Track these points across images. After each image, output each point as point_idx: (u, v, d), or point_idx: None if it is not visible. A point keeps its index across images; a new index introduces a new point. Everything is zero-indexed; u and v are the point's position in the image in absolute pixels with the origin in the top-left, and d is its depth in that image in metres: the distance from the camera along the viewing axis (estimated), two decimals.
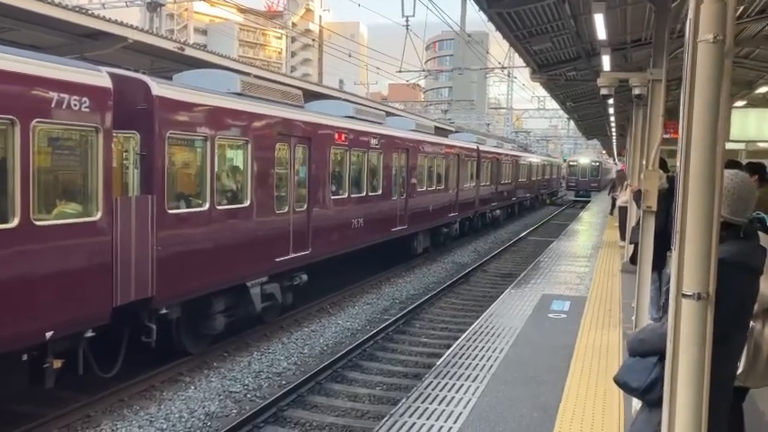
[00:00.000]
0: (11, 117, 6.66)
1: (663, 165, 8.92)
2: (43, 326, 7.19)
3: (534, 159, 44.54)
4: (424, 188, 20.65)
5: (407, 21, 24.33)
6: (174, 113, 9.38)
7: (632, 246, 11.08)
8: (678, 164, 3.06)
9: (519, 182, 37.35)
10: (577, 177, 53.94)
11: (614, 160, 57.19)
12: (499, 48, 30.56)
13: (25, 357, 7.23)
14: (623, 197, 17.23)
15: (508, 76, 48.72)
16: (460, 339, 8.46)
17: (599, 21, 8.05)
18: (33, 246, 7.01)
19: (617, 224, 19.32)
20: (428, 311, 14.71)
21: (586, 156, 58.98)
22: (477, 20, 21.52)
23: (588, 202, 45.49)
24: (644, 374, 3.63)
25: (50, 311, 7.29)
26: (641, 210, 8.66)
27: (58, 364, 7.63)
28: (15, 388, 7.55)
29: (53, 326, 7.29)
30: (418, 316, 14.22)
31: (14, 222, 6.75)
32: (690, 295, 2.95)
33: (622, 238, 16.44)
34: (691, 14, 2.92)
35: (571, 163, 56.18)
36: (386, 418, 5.75)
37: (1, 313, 6.71)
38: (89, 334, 7.96)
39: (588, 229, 24.81)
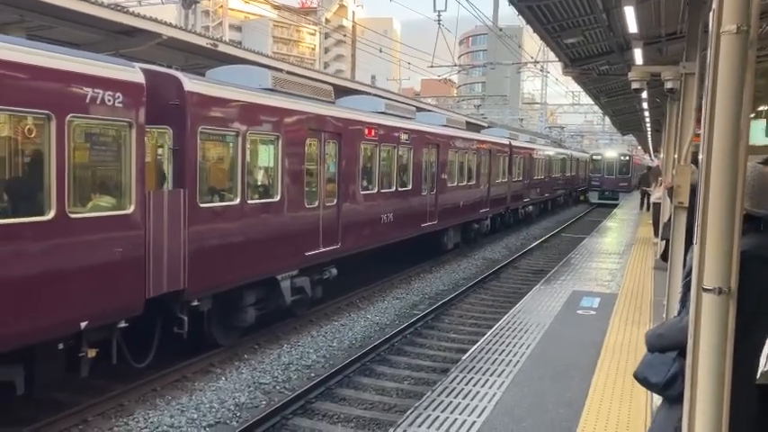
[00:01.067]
0: (47, 112, 6.84)
1: (696, 160, 8.78)
2: (78, 316, 7.38)
3: (568, 155, 44.07)
4: (455, 184, 20.59)
5: (439, 16, 24.25)
6: (206, 109, 9.52)
7: (664, 242, 10.95)
8: (701, 157, 3.03)
9: (552, 178, 37.01)
10: (602, 175, 46.19)
11: (650, 156, 56.08)
12: (533, 42, 30.26)
13: (61, 346, 7.43)
14: (657, 193, 16.99)
15: (542, 70, 47.76)
16: (488, 335, 8.45)
17: (630, 14, 7.94)
18: (68, 238, 7.19)
19: (651, 221, 19.04)
20: (458, 307, 14.69)
21: (613, 149, 52.23)
22: (511, 14, 21.42)
23: (615, 205, 39.13)
24: (664, 370, 3.60)
25: (85, 302, 7.48)
26: (673, 205, 8.55)
27: (92, 353, 7.82)
28: (52, 376, 7.76)
29: (88, 316, 7.48)
30: (447, 311, 14.21)
31: (50, 215, 6.93)
32: (711, 290, 2.92)
33: (656, 234, 16.22)
34: (714, 5, 2.88)
35: (594, 157, 48.36)
36: (410, 411, 5.79)
37: (39, 303, 6.91)
38: (122, 324, 8.15)
39: (622, 225, 24.48)
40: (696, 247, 3.02)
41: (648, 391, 6.00)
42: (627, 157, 47.41)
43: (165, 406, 8.70)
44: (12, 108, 6.66)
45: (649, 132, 31.87)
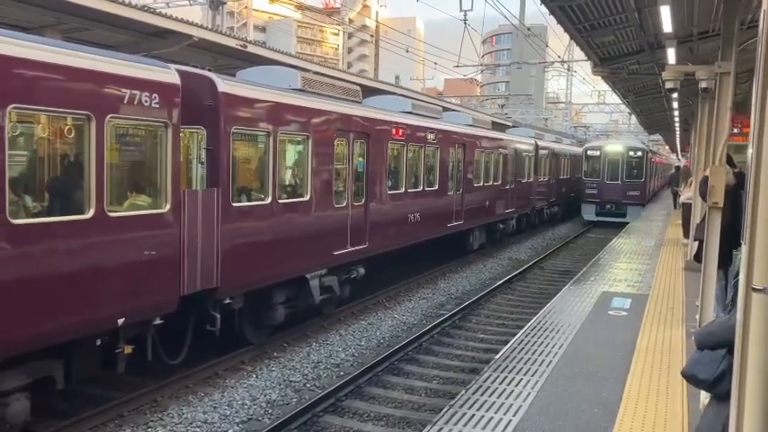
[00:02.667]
0: (87, 113, 6.98)
1: (729, 160, 8.70)
2: (116, 312, 7.52)
3: None
4: (481, 183, 20.56)
5: (465, 15, 24.18)
6: (239, 109, 9.63)
7: (696, 243, 10.85)
8: (749, 157, 3.02)
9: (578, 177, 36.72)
10: (601, 178, 31.29)
11: (678, 155, 55.31)
12: (558, 41, 30.09)
13: (99, 342, 7.57)
14: (687, 193, 16.81)
15: (568, 70, 47.19)
16: (519, 334, 8.45)
17: (665, 13, 7.89)
18: (107, 236, 7.32)
19: (680, 221, 18.85)
20: (484, 307, 14.67)
21: (618, 141, 36.62)
22: (536, 13, 21.31)
23: (624, 225, 25.91)
24: (712, 367, 3.62)
25: (122, 299, 7.61)
26: (707, 206, 8.48)
27: (128, 349, 7.96)
28: (90, 372, 7.91)
29: (125, 312, 7.62)
30: (474, 311, 14.21)
31: (90, 213, 7.07)
32: (760, 289, 2.92)
33: (685, 235, 16.05)
34: (765, 5, 2.87)
35: (590, 152, 32.46)
36: (445, 409, 5.82)
37: (79, 300, 7.05)
38: (157, 321, 8.28)
39: (650, 226, 24.25)
40: (745, 248, 3.02)
41: (685, 393, 5.99)
42: (639, 153, 31.69)
43: (198, 402, 8.82)
44: (53, 109, 6.80)
45: (677, 132, 31.55)
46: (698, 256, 9.75)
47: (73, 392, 8.28)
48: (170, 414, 8.40)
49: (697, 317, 8.80)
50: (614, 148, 32.32)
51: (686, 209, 16.80)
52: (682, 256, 15.13)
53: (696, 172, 13.58)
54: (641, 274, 13.09)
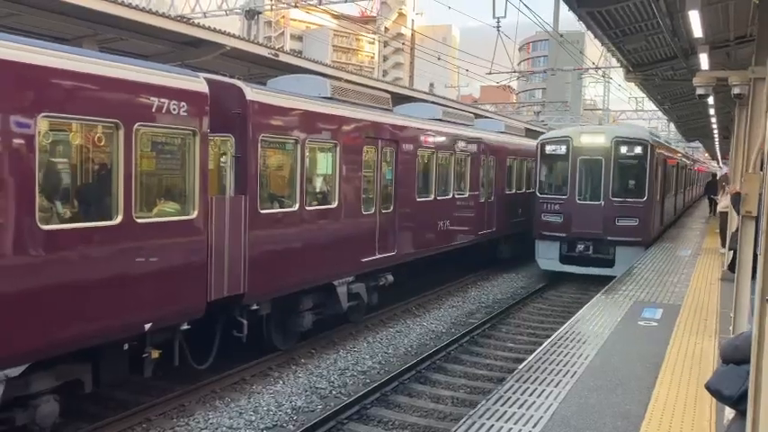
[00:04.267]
0: (115, 121, 7.12)
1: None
2: (143, 317, 7.63)
3: None
4: (513, 191, 20.38)
5: (498, 22, 24.06)
6: (267, 117, 9.72)
7: (732, 252, 10.58)
8: (766, 164, 2.94)
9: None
10: (568, 197, 18.37)
11: (718, 163, 54.07)
12: (595, 48, 29.75)
13: (126, 347, 7.69)
14: (724, 201, 16.43)
15: (603, 76, 46.49)
16: (545, 344, 8.33)
17: (694, 18, 7.73)
18: (135, 242, 7.45)
19: (718, 230, 18.41)
20: (515, 316, 14.52)
21: (598, 129, 21.54)
22: (572, 19, 21.08)
23: (610, 278, 14.90)
24: (737, 383, 3.52)
25: (150, 304, 7.73)
26: (740, 215, 8.27)
27: (155, 354, 8.07)
28: (118, 376, 8.04)
29: (152, 318, 7.72)
30: (504, 320, 14.07)
31: (118, 219, 7.20)
32: None
33: (723, 244, 15.67)
34: None
35: (550, 148, 18.99)
36: (464, 419, 5.76)
37: (107, 305, 7.17)
38: (184, 327, 8.37)
39: (687, 235, 23.73)
40: (761, 258, 2.94)
41: (713, 406, 5.83)
42: (638, 150, 18.17)
43: (224, 408, 8.89)
44: (82, 117, 6.96)
45: (716, 139, 30.85)
46: (732, 266, 9.52)
47: (103, 396, 8.43)
48: (196, 419, 8.49)
49: (730, 328, 8.57)
50: (592, 139, 18.24)
51: (723, 217, 16.44)
52: (719, 265, 14.77)
53: (732, 180, 13.26)
54: (675, 284, 12.81)
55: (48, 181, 6.85)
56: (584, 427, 5.74)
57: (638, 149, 17.77)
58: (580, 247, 17.72)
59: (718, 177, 29.68)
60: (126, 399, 8.70)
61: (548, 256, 18.38)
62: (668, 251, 18.26)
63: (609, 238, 17.46)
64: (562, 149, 18.25)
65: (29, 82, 6.30)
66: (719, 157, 46.05)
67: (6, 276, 6.16)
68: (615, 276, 14.47)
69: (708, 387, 3.81)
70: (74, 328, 6.86)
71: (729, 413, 4.49)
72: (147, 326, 7.66)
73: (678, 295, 11.68)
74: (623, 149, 17.80)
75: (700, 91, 9.02)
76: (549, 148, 18.54)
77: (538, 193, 18.54)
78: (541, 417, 5.85)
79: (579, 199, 17.92)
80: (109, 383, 8.01)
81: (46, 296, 6.52)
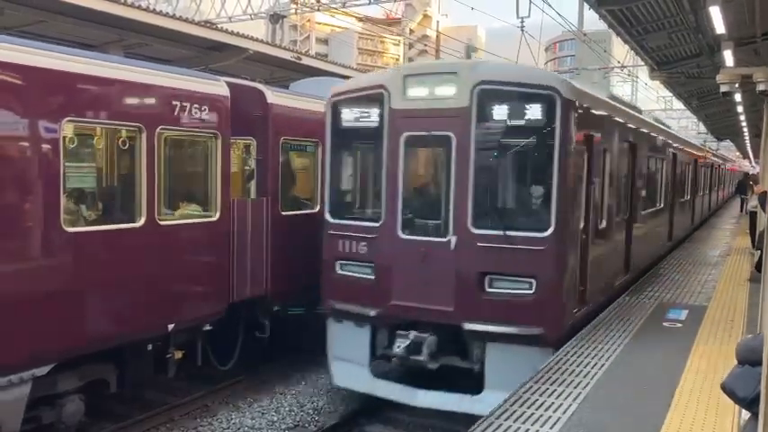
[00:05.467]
0: (138, 125, 7.25)
1: None
2: (167, 318, 7.74)
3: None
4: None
5: (522, 22, 23.94)
6: (287, 120, 9.80)
7: (759, 252, 10.40)
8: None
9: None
10: (379, 224, 8.46)
11: (750, 162, 53.07)
12: (621, 47, 29.41)
13: (150, 347, 7.81)
14: (754, 201, 16.15)
15: (629, 75, 45.75)
16: (566, 345, 8.25)
17: (716, 14, 7.62)
18: (158, 243, 7.56)
19: (748, 230, 18.08)
20: None
21: (442, 69, 8.83)
22: (597, 19, 20.85)
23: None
24: (751, 385, 3.49)
25: (172, 305, 7.84)
26: (767, 214, 8.14)
27: (179, 355, 8.19)
28: (142, 376, 8.17)
29: (175, 318, 7.84)
30: None
31: (141, 222, 7.33)
32: None
33: (753, 244, 15.39)
34: None
35: (347, 116, 8.82)
36: (481, 420, 5.74)
37: (131, 306, 7.29)
38: (207, 328, 8.48)
39: (717, 234, 23.33)
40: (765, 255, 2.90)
41: (735, 408, 5.73)
42: (538, 112, 7.71)
43: (246, 408, 8.99)
44: (105, 121, 7.09)
45: (747, 137, 30.35)
46: (759, 266, 9.35)
47: (128, 396, 8.57)
48: (219, 419, 8.60)
49: (757, 330, 8.42)
50: (431, 89, 8.27)
51: (753, 217, 16.15)
52: (748, 266, 14.48)
53: (762, 179, 13.02)
54: (702, 285, 12.59)
55: (73, 184, 7.00)
56: (602, 429, 5.68)
57: (535, 110, 7.83)
58: (403, 342, 8.04)
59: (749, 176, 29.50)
60: (151, 399, 8.83)
61: (347, 358, 8.81)
62: (696, 251, 17.97)
63: (468, 324, 7.94)
64: (371, 117, 8.69)
65: (54, 87, 6.44)
66: (752, 156, 45.22)
67: (33, 278, 6.30)
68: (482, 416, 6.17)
69: (722, 387, 3.78)
70: (98, 329, 7.00)
71: (746, 415, 4.43)
72: (170, 326, 7.77)
73: (705, 296, 11.49)
74: (498, 111, 7.99)
75: (723, 88, 8.89)
76: (347, 115, 8.98)
77: (328, 216, 9.07)
78: (559, 418, 5.81)
79: (404, 230, 8.38)
80: (134, 384, 8.14)
81: (71, 297, 6.66)
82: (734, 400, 3.84)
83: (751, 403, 3.52)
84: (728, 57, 9.65)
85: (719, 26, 8.07)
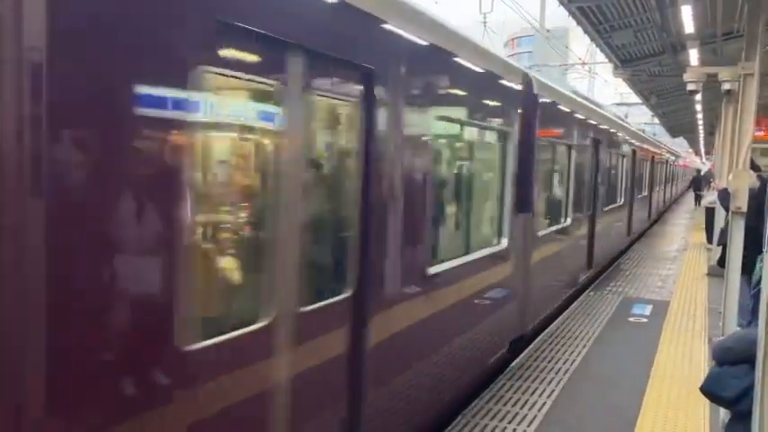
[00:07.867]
0: None
1: (753, 165, 8.51)
2: None
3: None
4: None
5: (485, 18, 24.07)
6: None
7: (721, 247, 10.62)
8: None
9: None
10: None
11: (702, 159, 54.53)
12: (579, 44, 29.74)
13: None
14: (710, 197, 16.53)
15: (589, 71, 46.29)
16: (536, 341, 8.28)
17: (686, 13, 7.70)
18: None
19: (704, 226, 18.49)
20: None
21: None
22: (557, 15, 21.06)
23: None
24: (732, 384, 3.47)
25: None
26: (729, 211, 8.29)
27: None
28: None
29: None
30: None
31: None
32: None
33: (709, 240, 15.74)
34: None
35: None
36: (458, 419, 5.69)
37: None
38: None
39: (673, 229, 23.87)
40: (766, 257, 2.88)
41: (706, 402, 5.81)
42: None
43: None
44: None
45: (701, 135, 31.12)
46: (722, 261, 9.53)
47: None
48: None
49: (720, 324, 8.59)
50: None
51: (709, 213, 16.51)
52: (705, 261, 14.84)
53: (719, 175, 13.27)
54: (663, 280, 12.84)
55: None
56: (578, 425, 5.70)
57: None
58: None
59: (702, 174, 30.54)
60: None
61: None
62: (654, 246, 18.34)
63: None
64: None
65: None
66: (703, 153, 46.43)
67: None
68: None
69: (702, 390, 3.75)
70: None
71: (725, 415, 4.46)
72: None
73: (667, 291, 11.71)
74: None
75: (690, 87, 8.99)
76: None
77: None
78: (535, 416, 5.80)
79: None
80: None
81: None
82: (716, 402, 3.83)
83: (735, 402, 3.51)
84: (694, 56, 9.80)
85: (689, 25, 8.17)
